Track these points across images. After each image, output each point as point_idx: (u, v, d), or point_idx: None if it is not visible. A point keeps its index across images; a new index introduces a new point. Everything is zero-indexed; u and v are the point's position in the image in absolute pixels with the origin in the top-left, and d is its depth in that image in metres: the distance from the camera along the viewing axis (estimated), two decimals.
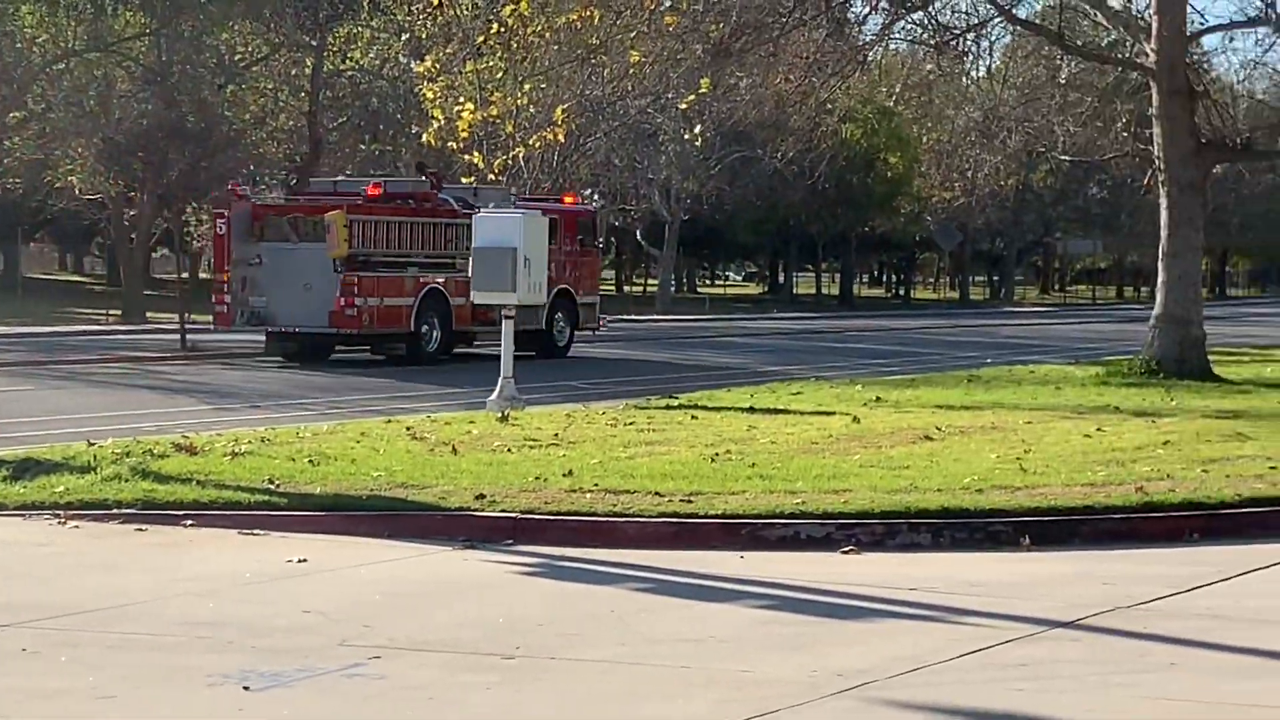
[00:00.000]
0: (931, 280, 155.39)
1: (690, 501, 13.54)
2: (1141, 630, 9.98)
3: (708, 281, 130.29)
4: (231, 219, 35.94)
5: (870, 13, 28.75)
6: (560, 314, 38.48)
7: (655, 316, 70.50)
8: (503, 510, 13.44)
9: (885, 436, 18.26)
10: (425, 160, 42.21)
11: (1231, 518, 13.38)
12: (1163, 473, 14.93)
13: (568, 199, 43.27)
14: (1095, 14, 29.92)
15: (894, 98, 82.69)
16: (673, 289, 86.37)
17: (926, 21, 29.18)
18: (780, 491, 13.93)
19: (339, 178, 44.13)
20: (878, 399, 23.22)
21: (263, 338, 36.99)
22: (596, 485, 14.18)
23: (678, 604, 10.95)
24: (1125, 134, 58.67)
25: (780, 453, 16.71)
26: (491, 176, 23.76)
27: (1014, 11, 30.28)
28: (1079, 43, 33.87)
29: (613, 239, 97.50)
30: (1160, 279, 27.95)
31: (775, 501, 13.52)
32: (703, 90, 24.51)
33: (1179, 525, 13.19)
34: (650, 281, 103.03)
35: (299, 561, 12.18)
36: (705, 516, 13.16)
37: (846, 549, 12.73)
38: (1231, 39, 39.11)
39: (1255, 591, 11.23)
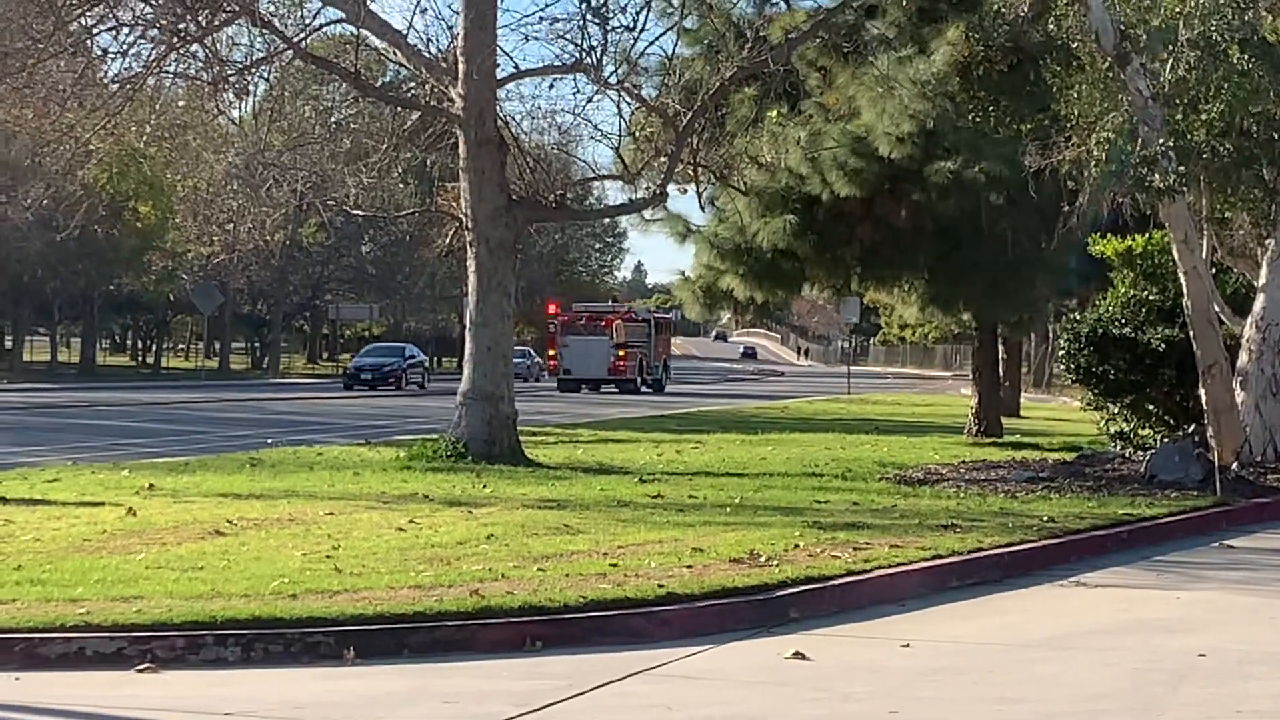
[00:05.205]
0: (184, 347, 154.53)
1: None
2: None
3: None
4: (557, 324, 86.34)
5: (140, 40, 27.91)
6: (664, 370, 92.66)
7: None
8: None
9: (169, 531, 17.84)
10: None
11: (576, 622, 13.43)
12: (496, 572, 14.98)
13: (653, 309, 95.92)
14: (393, 52, 29.99)
15: (145, 138, 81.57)
16: None
17: (205, 55, 28.53)
18: (59, 600, 13.36)
19: (590, 304, 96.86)
20: (151, 487, 22.75)
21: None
22: None
23: None
24: (409, 184, 59.36)
25: (49, 552, 16.10)
26: None
27: (304, 47, 29.78)
28: (377, 84, 33.99)
29: None
30: (468, 350, 28.11)
31: (54, 612, 12.92)
32: None
33: (520, 632, 13.18)
34: None
35: None
36: None
37: (142, 667, 12.24)
38: (553, 84, 40.51)
39: (609, 707, 11.29)
